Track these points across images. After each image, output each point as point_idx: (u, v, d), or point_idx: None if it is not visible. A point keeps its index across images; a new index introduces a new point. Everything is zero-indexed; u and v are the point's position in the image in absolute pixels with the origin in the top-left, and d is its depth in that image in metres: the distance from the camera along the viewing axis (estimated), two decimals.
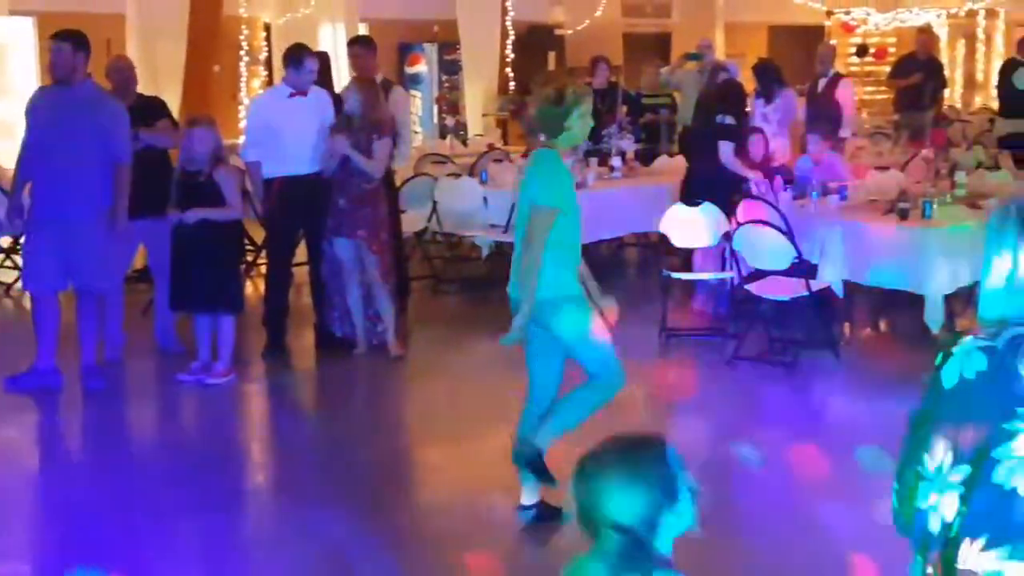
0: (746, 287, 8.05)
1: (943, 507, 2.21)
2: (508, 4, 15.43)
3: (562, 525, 5.08)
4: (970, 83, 21.25)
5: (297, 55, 8.25)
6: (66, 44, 7.25)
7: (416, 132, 16.50)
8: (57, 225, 7.19)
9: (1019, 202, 2.32)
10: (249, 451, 6.93)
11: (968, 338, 2.27)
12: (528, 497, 5.38)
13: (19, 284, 10.29)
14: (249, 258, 10.84)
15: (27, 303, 8.51)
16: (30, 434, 7.01)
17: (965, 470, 2.19)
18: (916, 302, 7.87)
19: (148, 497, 5.85)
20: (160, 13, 12.97)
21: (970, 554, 2.16)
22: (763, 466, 6.43)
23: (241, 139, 14.09)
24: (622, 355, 5.46)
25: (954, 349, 2.27)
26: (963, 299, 8.90)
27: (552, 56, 17.45)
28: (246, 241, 10.66)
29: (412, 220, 10.17)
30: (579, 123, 5.13)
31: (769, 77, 10.42)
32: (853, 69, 20.85)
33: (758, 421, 7.14)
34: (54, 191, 7.18)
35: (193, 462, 6.41)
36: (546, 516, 5.31)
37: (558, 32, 17.49)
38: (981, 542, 2.16)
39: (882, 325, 9.10)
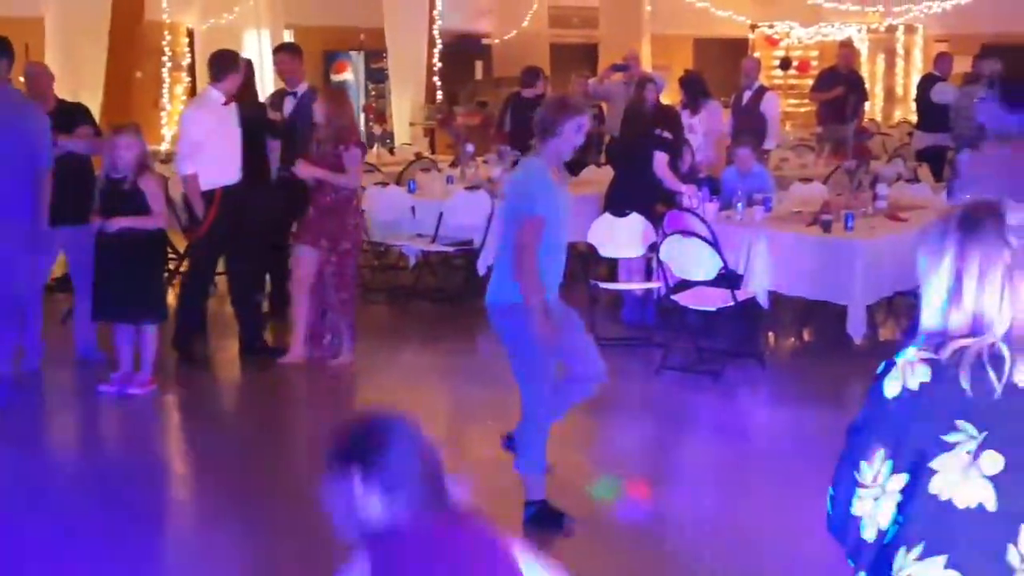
0: (672, 297, 8.09)
1: (879, 515, 2.24)
2: (435, 13, 15.41)
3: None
4: (890, 97, 21.59)
5: (231, 59, 8.16)
6: None
7: None
8: None
9: (959, 213, 2.32)
10: (173, 462, 6.82)
11: (911, 349, 2.29)
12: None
13: None
14: (172, 267, 10.70)
15: None
16: None
17: (903, 479, 2.22)
18: (840, 312, 7.98)
19: (69, 508, 5.74)
20: (80, 18, 12.79)
21: (906, 563, 2.19)
22: (690, 474, 6.50)
23: (164, 146, 14.01)
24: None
25: (896, 359, 2.29)
26: (885, 309, 9.06)
27: (479, 66, 17.49)
28: (169, 250, 10.54)
29: None
30: (572, 134, 5.15)
31: (694, 89, 10.50)
32: (777, 82, 21.10)
33: (684, 430, 7.19)
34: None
35: (115, 473, 6.31)
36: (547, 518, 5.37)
37: (485, 42, 17.53)
38: (917, 551, 2.19)
39: (806, 335, 9.19)
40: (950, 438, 2.18)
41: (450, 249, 9.80)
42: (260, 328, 8.47)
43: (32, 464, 6.51)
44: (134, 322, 7.42)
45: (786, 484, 5.97)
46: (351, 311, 7.99)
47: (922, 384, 2.22)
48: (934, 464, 2.19)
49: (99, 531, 5.44)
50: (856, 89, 13.65)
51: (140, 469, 6.41)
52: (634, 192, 8.94)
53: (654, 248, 8.29)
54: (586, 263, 9.40)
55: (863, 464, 2.26)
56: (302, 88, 9.04)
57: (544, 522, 5.34)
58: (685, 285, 8.15)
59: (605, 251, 8.61)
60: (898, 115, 20.30)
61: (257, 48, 14.09)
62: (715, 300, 7.91)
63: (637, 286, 8.89)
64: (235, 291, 8.45)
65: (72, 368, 8.04)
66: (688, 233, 7.98)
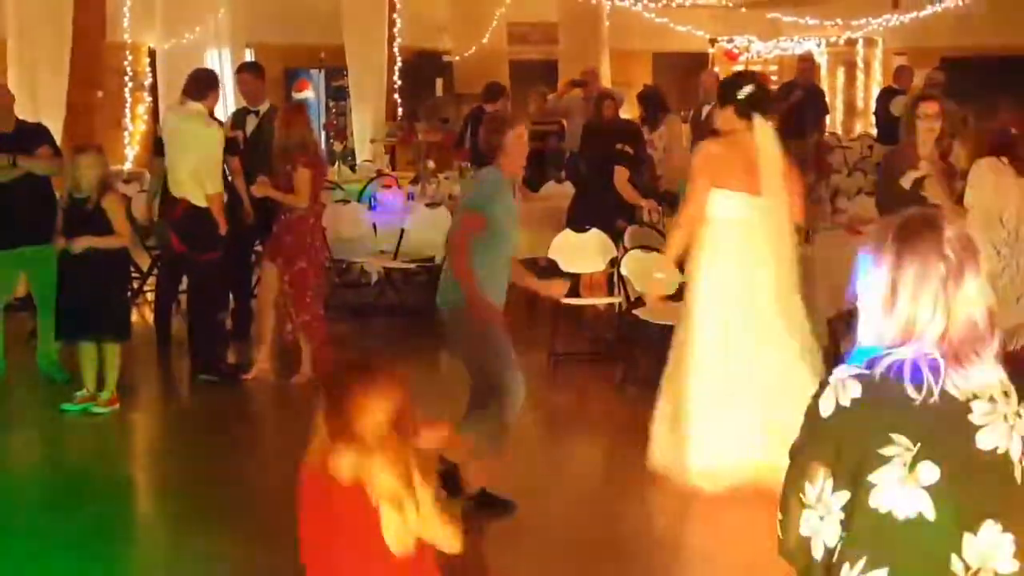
0: (634, 311, 8.15)
1: (824, 533, 2.25)
2: (395, 31, 15.48)
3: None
4: (850, 110, 21.80)
5: (214, 79, 8.37)
6: None
7: None
8: None
9: (897, 224, 2.34)
10: (137, 480, 6.82)
11: (843, 367, 2.31)
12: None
13: None
14: (135, 285, 10.69)
15: None
16: None
17: (844, 496, 2.24)
18: None
19: (33, 527, 5.74)
20: (41, 39, 12.72)
21: None
22: (649, 489, 6.54)
23: (127, 166, 13.98)
24: None
25: (830, 378, 2.31)
26: (845, 321, 9.15)
27: (440, 83, 17.52)
28: (133, 269, 10.53)
29: None
30: (515, 146, 5.47)
31: (653, 104, 10.59)
32: None
33: (645, 444, 7.22)
34: None
35: (79, 492, 6.30)
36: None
37: (445, 59, 17.59)
38: (860, 565, 2.21)
39: None
40: (886, 451, 2.21)
41: (412, 265, 9.84)
42: (222, 346, 8.47)
43: None
44: (98, 340, 7.42)
45: (745, 501, 6.01)
46: (315, 333, 7.97)
47: (853, 399, 2.24)
48: (872, 478, 2.21)
49: (65, 549, 5.44)
50: (815, 103, 13.79)
51: (104, 487, 6.41)
52: (596, 207, 9.01)
53: (615, 263, 8.36)
54: (546, 278, 9.43)
55: (806, 484, 2.27)
56: (264, 107, 9.08)
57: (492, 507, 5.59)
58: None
59: (566, 266, 8.67)
60: (859, 128, 20.50)
61: (218, 67, 14.07)
62: (676, 314, 7.95)
63: (598, 301, 8.96)
64: (195, 308, 8.43)
65: (36, 387, 8.03)
66: (649, 248, 8.05)
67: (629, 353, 8.27)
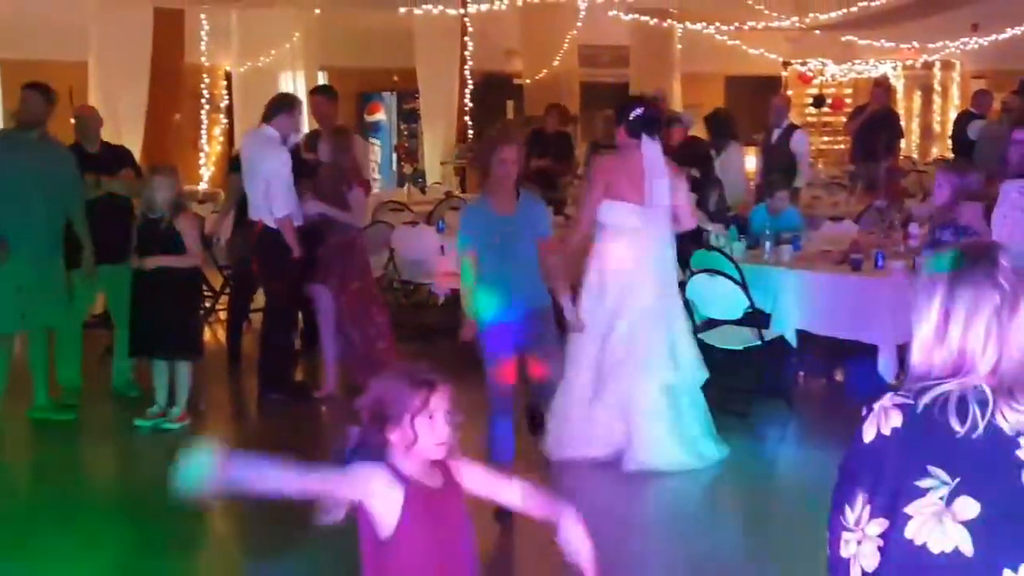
0: (699, 336, 8.10)
1: (863, 557, 2.25)
2: (466, 54, 15.58)
3: None
4: (927, 133, 21.56)
5: (289, 102, 8.41)
6: (35, 92, 7.52)
7: (375, 179, 16.61)
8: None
9: (950, 254, 2.33)
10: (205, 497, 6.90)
11: (888, 394, 2.31)
12: None
13: None
14: (208, 304, 10.86)
15: None
16: None
17: (882, 523, 2.23)
18: (871, 352, 7.94)
19: (106, 539, 5.88)
20: (122, 62, 13.05)
21: None
22: (714, 514, 6.52)
23: (203, 186, 14.22)
24: None
25: (875, 404, 2.31)
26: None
27: (510, 105, 17.61)
28: (205, 288, 10.70)
29: None
30: (497, 167, 6.00)
31: (720, 129, 10.55)
32: (810, 119, 21.14)
33: (712, 469, 7.20)
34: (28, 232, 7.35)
35: (149, 506, 6.41)
36: None
37: (516, 81, 17.65)
38: None
39: (837, 375, 9.17)
40: (922, 483, 2.19)
41: None
42: (291, 365, 8.55)
43: (68, 497, 6.66)
44: (169, 358, 7.56)
45: (810, 525, 5.96)
46: (390, 358, 7.99)
47: (894, 429, 2.24)
48: (908, 509, 2.19)
49: (137, 560, 5.59)
50: (889, 126, 13.65)
51: (172, 502, 6.50)
52: None
53: (681, 287, 8.31)
54: None
55: (847, 508, 2.27)
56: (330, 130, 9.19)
57: None
58: (712, 324, 8.18)
59: None
60: (935, 152, 20.25)
61: (292, 89, 14.28)
62: (742, 339, 7.94)
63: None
64: (265, 327, 8.54)
65: (110, 403, 8.19)
66: (714, 272, 8.02)
67: None
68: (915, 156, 19.42)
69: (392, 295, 10.98)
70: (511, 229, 6.07)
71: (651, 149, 6.81)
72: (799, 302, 8.18)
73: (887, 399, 2.29)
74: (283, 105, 8.30)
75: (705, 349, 8.11)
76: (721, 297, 7.92)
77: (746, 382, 8.13)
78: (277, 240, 8.00)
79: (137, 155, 12.45)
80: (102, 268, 7.93)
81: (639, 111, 6.88)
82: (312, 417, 8.02)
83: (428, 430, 2.91)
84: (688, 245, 8.81)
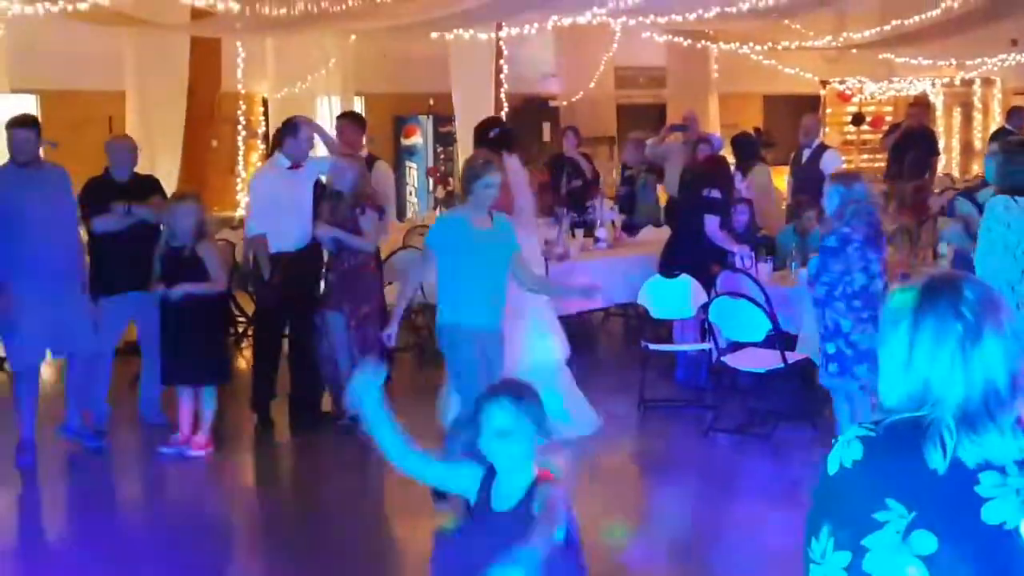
0: (723, 359, 8.09)
1: None
2: (502, 77, 15.62)
3: None
4: (967, 150, 21.39)
5: (292, 125, 8.42)
6: (32, 132, 7.53)
7: (411, 202, 16.69)
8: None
9: (918, 282, 2.31)
10: (228, 523, 6.97)
11: (854, 426, 2.30)
12: None
13: None
14: (240, 329, 10.96)
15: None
16: (13, 505, 7.15)
17: (845, 556, 2.21)
18: None
19: (128, 568, 5.94)
20: (159, 90, 13.22)
21: None
22: (734, 536, 6.49)
23: (239, 212, 14.35)
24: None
25: (840, 437, 2.30)
26: None
27: (547, 127, 17.65)
28: (237, 312, 10.80)
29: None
30: (482, 191, 6.31)
31: (746, 151, 10.52)
32: (850, 137, 21.04)
33: (734, 493, 7.18)
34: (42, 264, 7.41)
35: (172, 534, 6.49)
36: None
37: (552, 104, 17.70)
38: None
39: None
40: (879, 516, 2.17)
41: None
42: (317, 392, 8.59)
43: (92, 522, 6.76)
44: (194, 384, 7.63)
45: None
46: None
47: (855, 461, 2.21)
48: (866, 542, 2.18)
49: None
50: (925, 145, 13.54)
51: (195, 529, 6.59)
52: (688, 253, 8.99)
53: (706, 309, 8.31)
54: (643, 324, 9.44)
55: (813, 540, 2.25)
56: (361, 156, 9.29)
57: None
58: (736, 346, 8.16)
59: (655, 312, 8.66)
60: (976, 169, 20.08)
61: (329, 115, 14.41)
62: (766, 361, 7.91)
63: (686, 347, 8.92)
64: (294, 353, 8.63)
65: (136, 430, 8.28)
66: (736, 294, 8.00)
67: (719, 400, 8.20)
68: (955, 174, 19.26)
69: (420, 319, 10.98)
70: (482, 242, 6.32)
71: (513, 163, 7.65)
72: None
73: (852, 431, 2.27)
74: (287, 131, 8.42)
75: (731, 371, 8.12)
76: (745, 319, 7.89)
77: (772, 404, 8.09)
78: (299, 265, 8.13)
79: (174, 182, 12.66)
80: (131, 295, 8.02)
81: (496, 131, 7.79)
82: (335, 444, 8.04)
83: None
84: (715, 266, 8.82)
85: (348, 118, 9.90)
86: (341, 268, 8.09)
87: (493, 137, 7.67)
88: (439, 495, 6.29)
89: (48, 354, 7.89)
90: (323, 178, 8.56)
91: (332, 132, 9.39)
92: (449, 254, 6.34)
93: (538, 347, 7.65)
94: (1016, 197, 6.35)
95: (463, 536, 3.41)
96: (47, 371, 8.07)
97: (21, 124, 7.60)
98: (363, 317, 8.04)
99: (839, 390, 6.97)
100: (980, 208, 6.92)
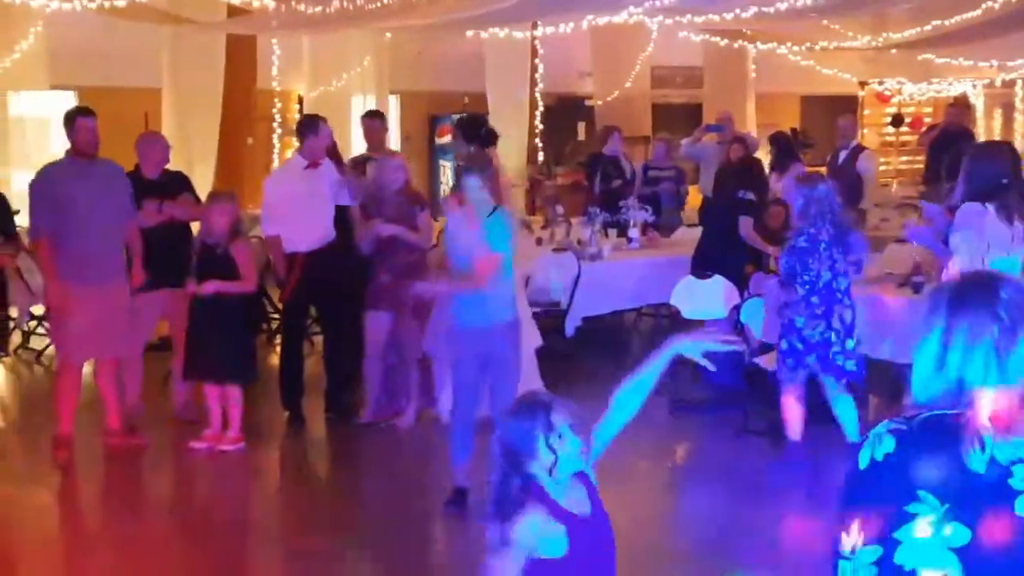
0: (755, 360, 8.04)
1: None
2: (537, 76, 15.61)
3: None
4: None
5: (313, 123, 8.39)
6: (96, 122, 7.55)
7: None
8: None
9: (953, 284, 2.34)
10: (257, 520, 6.99)
11: (885, 421, 2.30)
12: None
13: (50, 351, 10.55)
14: (274, 326, 10.98)
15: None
16: (51, 500, 7.21)
17: (876, 551, 2.22)
18: None
19: (159, 562, 5.99)
20: (195, 87, 13.28)
21: None
22: (768, 538, 6.45)
23: None
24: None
25: (872, 431, 2.30)
26: None
27: (582, 127, 17.61)
28: (271, 310, 10.83)
29: None
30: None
31: (782, 149, 10.45)
32: (888, 139, 20.88)
33: (766, 494, 7.15)
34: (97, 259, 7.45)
35: (202, 529, 6.53)
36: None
37: (588, 103, 17.65)
38: None
39: (897, 400, 9.01)
40: (911, 509, 2.19)
41: (536, 310, 9.82)
42: (349, 391, 8.60)
43: (126, 517, 6.83)
44: (219, 382, 7.66)
45: None
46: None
47: (886, 455, 2.23)
48: (898, 535, 2.19)
49: None
50: (962, 145, 13.38)
51: (226, 524, 6.62)
52: (721, 253, 8.94)
53: (736, 310, 8.27)
54: (676, 324, 9.39)
55: (843, 535, 2.26)
56: (383, 154, 9.24)
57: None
58: (768, 347, 8.10)
59: (687, 313, 8.62)
60: None
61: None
62: None
63: (720, 348, 8.83)
64: (327, 352, 8.64)
65: (169, 426, 8.32)
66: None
67: (751, 401, 8.15)
68: None
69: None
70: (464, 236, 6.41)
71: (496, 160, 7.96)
72: (859, 325, 8.04)
73: (883, 425, 2.29)
74: (307, 129, 8.39)
75: (760, 373, 8.07)
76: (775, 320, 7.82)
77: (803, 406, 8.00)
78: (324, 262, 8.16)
79: (210, 179, 12.73)
80: (163, 292, 8.06)
81: (485, 128, 8.16)
82: (367, 439, 8.05)
83: (562, 445, 3.11)
84: (746, 267, 8.78)
85: (376, 116, 9.90)
86: (398, 267, 7.94)
87: (486, 133, 8.07)
88: (455, 500, 6.30)
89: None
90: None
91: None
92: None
93: None
94: (986, 203, 6.37)
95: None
96: (87, 367, 8.08)
97: (88, 113, 7.61)
98: (426, 314, 7.99)
99: (792, 383, 7.28)
100: None
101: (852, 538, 2.24)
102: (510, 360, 6.39)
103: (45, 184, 7.49)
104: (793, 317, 7.13)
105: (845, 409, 7.25)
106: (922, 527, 2.18)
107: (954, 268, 6.40)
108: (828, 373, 7.15)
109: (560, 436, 3.11)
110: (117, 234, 7.59)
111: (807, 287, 7.09)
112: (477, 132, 7.92)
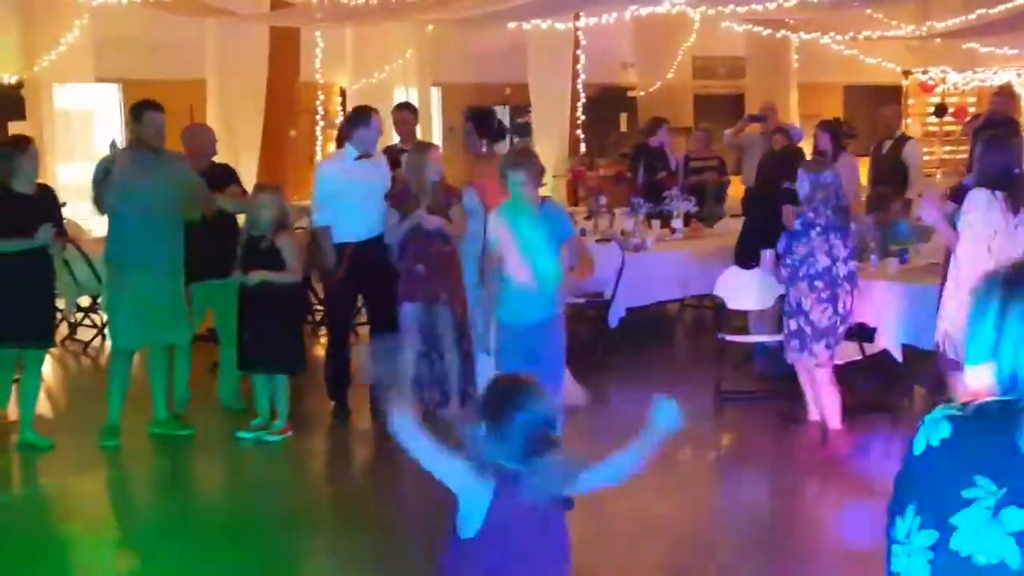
0: None
1: (912, 571, 2.23)
2: (579, 67, 15.59)
3: None
4: None
5: (365, 114, 8.40)
6: (155, 111, 7.65)
7: None
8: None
9: (1005, 271, 2.30)
10: (302, 510, 7.03)
11: (940, 406, 2.30)
12: None
13: (96, 342, 10.67)
14: (318, 318, 11.04)
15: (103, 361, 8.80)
16: (98, 487, 7.29)
17: (931, 535, 2.21)
18: None
19: (205, 550, 6.04)
20: (239, 80, 13.38)
21: None
22: (813, 528, 6.44)
23: None
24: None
25: (927, 416, 2.30)
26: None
27: (624, 118, 17.58)
28: (315, 301, 10.89)
29: None
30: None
31: (832, 137, 10.37)
32: (932, 128, 20.72)
33: (813, 484, 7.15)
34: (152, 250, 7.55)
35: (248, 518, 6.58)
36: None
37: (630, 94, 17.62)
38: None
39: (944, 389, 8.95)
40: (968, 493, 2.17)
41: (580, 301, 9.83)
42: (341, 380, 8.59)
43: (173, 505, 6.91)
44: (267, 372, 7.72)
45: None
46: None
47: (942, 440, 2.21)
48: (955, 520, 2.17)
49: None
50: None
51: (273, 515, 6.67)
52: (764, 243, 8.89)
53: (782, 300, 8.23)
54: (718, 316, 9.37)
55: (897, 520, 2.25)
56: (414, 145, 9.23)
57: None
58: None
59: (731, 303, 8.60)
60: None
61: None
62: (844, 353, 7.81)
63: (763, 338, 8.83)
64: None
65: (216, 415, 8.39)
66: None
67: (796, 391, 8.12)
68: None
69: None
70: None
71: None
72: (905, 316, 8.02)
73: (939, 411, 2.27)
74: (359, 120, 8.37)
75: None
76: None
77: (851, 396, 7.97)
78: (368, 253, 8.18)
79: (254, 171, 12.82)
80: (210, 284, 8.13)
81: (496, 122, 8.24)
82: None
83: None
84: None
85: (410, 109, 9.92)
86: (433, 258, 7.87)
87: (499, 127, 8.19)
88: None
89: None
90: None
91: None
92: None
93: None
94: (996, 191, 6.50)
95: None
96: (137, 356, 8.19)
97: (157, 107, 7.69)
98: (465, 303, 7.95)
99: (802, 365, 7.59)
100: None
101: (907, 523, 2.23)
102: (553, 356, 6.40)
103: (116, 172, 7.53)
104: (800, 299, 7.41)
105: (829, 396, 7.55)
106: (979, 512, 2.16)
107: (961, 251, 6.50)
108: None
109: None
110: (169, 225, 7.67)
111: (788, 270, 7.44)
112: (491, 125, 7.96)
